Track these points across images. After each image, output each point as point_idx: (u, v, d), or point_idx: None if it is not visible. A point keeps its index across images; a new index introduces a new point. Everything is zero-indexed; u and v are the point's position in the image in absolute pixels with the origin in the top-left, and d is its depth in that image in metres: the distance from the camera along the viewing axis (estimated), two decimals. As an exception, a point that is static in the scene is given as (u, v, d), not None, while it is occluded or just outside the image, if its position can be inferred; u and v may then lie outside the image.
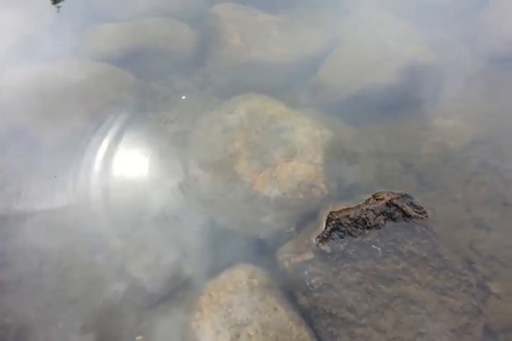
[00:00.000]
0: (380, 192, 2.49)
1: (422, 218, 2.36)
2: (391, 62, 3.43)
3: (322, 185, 2.64)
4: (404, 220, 2.34)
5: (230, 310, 2.13)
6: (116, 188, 2.75)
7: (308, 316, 2.15)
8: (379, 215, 2.33)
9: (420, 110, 3.22)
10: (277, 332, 2.06)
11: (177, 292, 2.32)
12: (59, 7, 4.16)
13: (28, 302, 2.29)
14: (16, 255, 2.44)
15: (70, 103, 3.15)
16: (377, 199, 2.42)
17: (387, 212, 2.35)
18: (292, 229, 2.51)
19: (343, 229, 2.30)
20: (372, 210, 2.34)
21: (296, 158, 2.74)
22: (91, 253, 2.42)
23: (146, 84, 3.48)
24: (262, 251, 2.47)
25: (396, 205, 2.36)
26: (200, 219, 2.57)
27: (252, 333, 2.05)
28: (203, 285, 2.30)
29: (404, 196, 2.43)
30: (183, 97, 3.42)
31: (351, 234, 2.29)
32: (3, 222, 2.56)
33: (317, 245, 2.28)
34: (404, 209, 2.35)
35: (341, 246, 2.26)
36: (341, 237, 2.29)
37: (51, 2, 4.19)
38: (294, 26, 3.90)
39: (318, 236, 2.31)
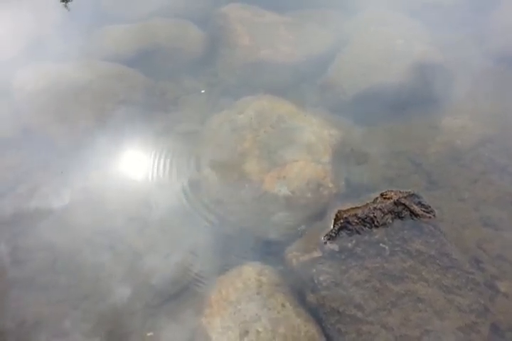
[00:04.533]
0: (387, 191, 2.51)
1: (429, 217, 2.37)
2: (399, 62, 3.43)
3: (330, 184, 2.66)
4: (412, 219, 2.35)
5: (239, 307, 2.16)
6: (126, 187, 2.79)
7: (316, 313, 2.17)
8: (387, 214, 2.35)
9: (428, 109, 3.22)
10: (286, 328, 2.08)
11: (187, 289, 2.36)
12: (69, 9, 4.22)
13: (41, 298, 2.34)
14: (30, 252, 2.49)
15: (80, 102, 3.20)
16: (385, 198, 2.43)
17: (395, 210, 2.36)
18: (301, 227, 2.53)
19: (351, 227, 2.32)
20: (380, 209, 2.36)
21: (304, 157, 2.76)
22: (103, 251, 2.47)
23: (155, 84, 3.52)
24: (271, 249, 2.50)
25: (404, 204, 2.37)
26: (210, 218, 2.60)
27: (260, 329, 2.08)
28: (212, 283, 2.33)
29: (412, 195, 2.44)
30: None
31: (359, 233, 2.31)
32: (17, 220, 2.61)
33: (325, 243, 2.30)
34: (412, 208, 2.37)
35: (349, 245, 2.28)
36: (349, 236, 2.31)
37: (62, 4, 4.24)
38: (302, 26, 3.91)
39: (327, 235, 2.33)
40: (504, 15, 3.88)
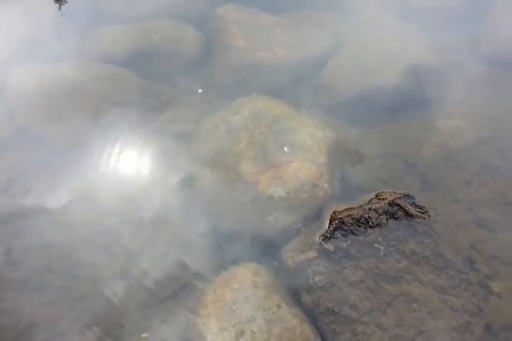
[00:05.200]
0: (382, 192, 2.52)
1: (424, 218, 2.38)
2: (394, 64, 3.45)
3: (325, 185, 2.67)
4: (407, 220, 2.37)
5: (234, 307, 2.16)
6: (121, 187, 2.79)
7: (311, 313, 2.18)
8: (381, 215, 2.36)
9: (423, 111, 3.25)
10: (281, 329, 2.09)
11: (183, 290, 2.36)
12: (65, 9, 4.21)
13: (36, 299, 2.33)
14: (24, 253, 2.48)
15: (75, 103, 3.19)
16: (379, 199, 2.45)
17: (390, 211, 2.38)
18: (296, 227, 2.54)
19: (346, 228, 2.33)
20: (375, 210, 2.37)
21: (299, 158, 2.77)
22: (97, 251, 2.46)
23: (150, 85, 3.52)
24: (266, 249, 2.50)
25: (398, 205, 2.39)
26: (205, 218, 2.60)
27: (256, 330, 2.08)
28: (208, 283, 2.33)
29: (407, 196, 2.45)
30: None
31: (354, 233, 2.32)
32: (11, 220, 2.60)
33: (320, 244, 2.31)
34: (407, 208, 2.38)
35: (344, 245, 2.29)
36: (344, 236, 2.32)
37: (57, 4, 4.23)
38: (298, 28, 3.93)
39: (322, 235, 2.34)
40: (498, 19, 3.92)
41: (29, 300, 2.32)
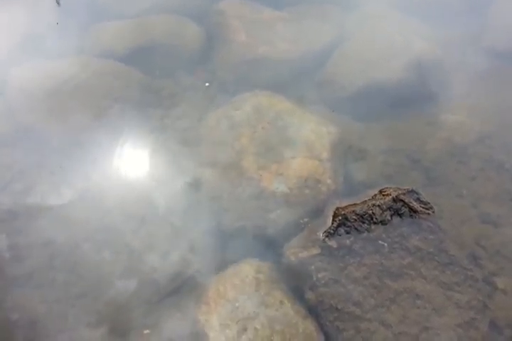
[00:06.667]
0: (386, 187, 2.50)
1: (428, 213, 2.37)
2: (398, 58, 3.42)
3: (328, 181, 2.65)
4: (411, 216, 2.35)
5: (236, 304, 2.15)
6: (124, 185, 2.78)
7: (314, 310, 2.17)
8: (385, 211, 2.34)
9: (427, 106, 3.22)
10: (283, 325, 2.08)
11: (185, 286, 2.35)
12: (64, 5, 4.18)
13: (38, 296, 2.32)
14: (27, 250, 2.47)
15: (76, 100, 3.17)
16: (383, 195, 2.43)
17: (394, 207, 2.36)
18: (299, 223, 2.52)
19: (349, 224, 2.31)
20: (379, 206, 2.35)
21: (302, 154, 2.75)
22: (100, 248, 2.45)
23: (152, 81, 3.50)
24: (269, 246, 2.49)
25: (403, 201, 2.37)
26: (208, 215, 2.59)
27: (258, 327, 2.07)
28: (210, 280, 2.32)
29: (411, 192, 2.44)
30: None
31: (358, 230, 2.30)
32: (13, 218, 2.60)
33: (324, 240, 2.30)
34: (411, 204, 2.36)
35: (348, 242, 2.27)
36: (348, 232, 2.30)
37: (56, 0, 4.20)
38: (300, 22, 3.89)
39: (325, 232, 2.33)
40: (503, 12, 3.88)
41: (32, 297, 2.31)
